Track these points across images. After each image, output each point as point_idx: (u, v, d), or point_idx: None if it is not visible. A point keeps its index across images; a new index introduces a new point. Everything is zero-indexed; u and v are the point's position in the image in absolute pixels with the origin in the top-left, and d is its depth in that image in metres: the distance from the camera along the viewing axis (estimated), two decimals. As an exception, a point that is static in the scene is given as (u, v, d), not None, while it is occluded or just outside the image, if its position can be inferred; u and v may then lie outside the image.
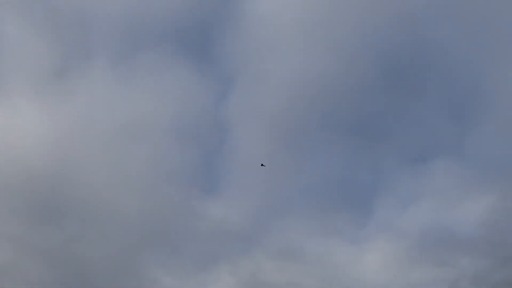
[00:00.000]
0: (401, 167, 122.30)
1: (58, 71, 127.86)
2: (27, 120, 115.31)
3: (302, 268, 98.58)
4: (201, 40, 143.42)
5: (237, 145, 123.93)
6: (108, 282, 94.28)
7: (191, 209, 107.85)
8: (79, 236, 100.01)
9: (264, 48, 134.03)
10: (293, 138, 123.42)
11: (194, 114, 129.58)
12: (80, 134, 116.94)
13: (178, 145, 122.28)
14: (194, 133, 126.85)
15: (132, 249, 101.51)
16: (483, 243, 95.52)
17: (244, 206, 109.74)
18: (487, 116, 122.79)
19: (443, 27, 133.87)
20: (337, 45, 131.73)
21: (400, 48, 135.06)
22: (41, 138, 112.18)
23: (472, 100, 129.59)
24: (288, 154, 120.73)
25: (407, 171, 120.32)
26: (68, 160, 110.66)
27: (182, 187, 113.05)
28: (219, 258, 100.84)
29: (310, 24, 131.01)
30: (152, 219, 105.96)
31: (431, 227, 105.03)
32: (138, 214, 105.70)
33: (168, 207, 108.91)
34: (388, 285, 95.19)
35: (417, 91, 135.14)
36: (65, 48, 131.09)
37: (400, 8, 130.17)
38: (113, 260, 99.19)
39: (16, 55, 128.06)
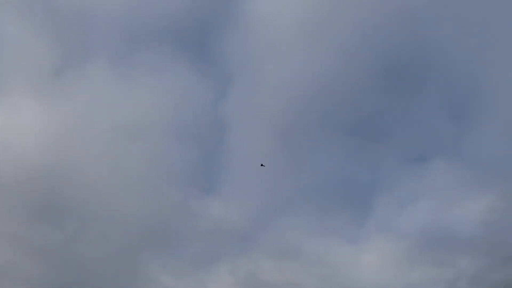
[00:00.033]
0: (400, 167, 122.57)
1: (58, 71, 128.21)
2: (27, 120, 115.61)
3: (301, 267, 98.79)
4: (201, 39, 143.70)
5: (236, 145, 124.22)
6: (107, 281, 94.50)
7: (190, 208, 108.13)
8: (78, 236, 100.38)
9: (264, 48, 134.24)
10: (292, 138, 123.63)
11: (194, 113, 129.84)
12: (79, 134, 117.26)
13: (177, 144, 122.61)
14: (193, 133, 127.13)
15: (131, 249, 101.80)
16: (482, 243, 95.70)
17: (243, 205, 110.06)
18: (486, 116, 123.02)
19: (442, 27, 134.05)
20: (337, 45, 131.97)
21: (399, 48, 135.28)
22: (41, 137, 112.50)
23: (472, 100, 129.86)
24: (287, 153, 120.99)
25: (406, 171, 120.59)
26: (68, 159, 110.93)
27: (181, 186, 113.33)
28: (218, 258, 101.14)
29: (310, 24, 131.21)
30: (151, 218, 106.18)
31: (430, 227, 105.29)
32: (137, 214, 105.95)
33: (167, 207, 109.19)
34: (387, 285, 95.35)
35: (416, 91, 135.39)
36: (64, 47, 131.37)
37: (399, 8, 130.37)
38: (112, 259, 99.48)
39: (15, 55, 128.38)
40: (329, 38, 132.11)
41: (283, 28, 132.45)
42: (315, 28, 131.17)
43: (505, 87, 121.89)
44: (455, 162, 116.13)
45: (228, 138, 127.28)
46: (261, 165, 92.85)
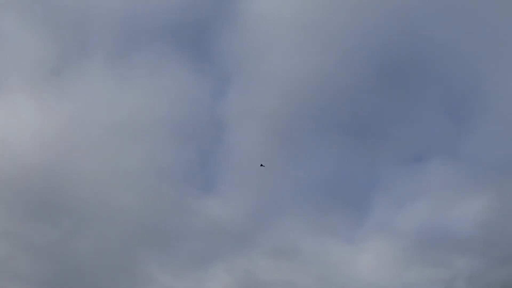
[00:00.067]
0: (398, 167, 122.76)
1: (56, 69, 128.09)
2: (25, 118, 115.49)
3: (299, 267, 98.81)
4: (199, 38, 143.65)
5: (233, 144, 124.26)
6: (104, 280, 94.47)
7: (187, 207, 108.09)
8: (76, 234, 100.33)
9: (262, 47, 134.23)
10: (290, 137, 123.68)
11: (192, 112, 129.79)
12: (77, 132, 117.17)
13: (175, 143, 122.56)
14: (191, 131, 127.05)
15: (128, 247, 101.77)
16: (479, 243, 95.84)
17: (241, 204, 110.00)
18: (484, 117, 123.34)
19: (440, 28, 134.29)
20: (335, 45, 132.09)
21: (397, 48, 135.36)
22: (39, 135, 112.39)
23: (469, 100, 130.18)
24: (285, 153, 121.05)
25: (404, 171, 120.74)
26: (65, 157, 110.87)
27: (179, 185, 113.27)
28: (215, 257, 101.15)
29: (308, 23, 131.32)
30: (149, 217, 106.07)
31: (427, 227, 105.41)
32: (135, 212, 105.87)
33: (165, 205, 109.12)
34: (384, 284, 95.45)
35: (414, 91, 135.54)
36: (63, 46, 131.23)
37: (397, 8, 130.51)
38: (109, 257, 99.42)
39: (14, 53, 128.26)
40: (327, 38, 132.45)
41: (281, 27, 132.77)
42: (313, 27, 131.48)
43: (503, 87, 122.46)
44: (452, 162, 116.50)
45: (226, 137, 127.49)
46: (261, 165, 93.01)
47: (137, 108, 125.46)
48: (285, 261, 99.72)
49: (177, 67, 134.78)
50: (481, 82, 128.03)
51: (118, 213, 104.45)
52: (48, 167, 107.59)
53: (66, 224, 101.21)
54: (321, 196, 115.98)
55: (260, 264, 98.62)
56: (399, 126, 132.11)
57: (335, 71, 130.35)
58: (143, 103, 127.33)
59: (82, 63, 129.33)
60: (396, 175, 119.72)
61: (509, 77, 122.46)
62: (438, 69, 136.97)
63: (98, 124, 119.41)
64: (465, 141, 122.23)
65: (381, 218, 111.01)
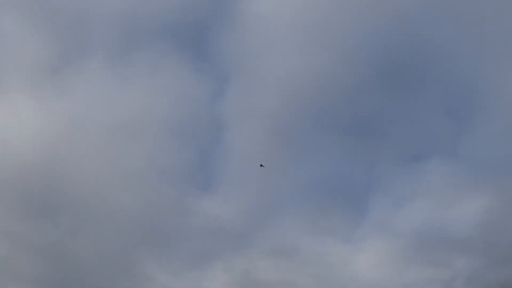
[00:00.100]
0: (397, 166, 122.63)
1: (56, 69, 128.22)
2: (24, 117, 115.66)
3: (297, 266, 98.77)
4: (198, 38, 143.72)
5: (232, 143, 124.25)
6: (103, 279, 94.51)
7: (186, 206, 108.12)
8: (75, 233, 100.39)
9: (261, 47, 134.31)
10: (289, 137, 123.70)
11: (190, 111, 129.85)
12: (76, 131, 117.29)
13: (174, 142, 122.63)
14: (190, 131, 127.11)
15: (127, 246, 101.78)
16: (478, 243, 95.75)
17: (239, 204, 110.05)
18: (483, 117, 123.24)
19: (439, 28, 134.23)
20: (334, 45, 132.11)
21: (396, 48, 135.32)
22: (38, 134, 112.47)
23: (468, 100, 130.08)
24: (284, 152, 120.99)
25: (403, 171, 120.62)
26: (65, 157, 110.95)
27: (178, 184, 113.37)
28: (214, 256, 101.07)
29: (307, 23, 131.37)
30: (148, 216, 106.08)
31: (426, 227, 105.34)
32: (133, 211, 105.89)
33: (164, 205, 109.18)
34: (382, 284, 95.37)
35: (413, 91, 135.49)
36: (62, 45, 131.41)
37: (396, 8, 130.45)
38: (108, 257, 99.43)
39: (14, 53, 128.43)
40: (327, 38, 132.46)
41: (281, 27, 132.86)
42: (313, 27, 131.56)
43: (502, 87, 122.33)
44: (451, 162, 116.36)
45: (225, 136, 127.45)
46: (261, 165, 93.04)
47: (137, 107, 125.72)
48: (284, 261, 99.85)
49: (177, 67, 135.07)
50: (480, 82, 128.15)
51: (117, 213, 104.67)
52: (48, 167, 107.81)
53: (66, 223, 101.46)
54: (320, 196, 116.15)
55: (259, 263, 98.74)
56: (399, 126, 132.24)
57: (335, 71, 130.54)
58: (143, 103, 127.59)
59: (82, 62, 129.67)
60: (396, 175, 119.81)
61: (509, 77, 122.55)
62: (438, 69, 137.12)
63: (98, 124, 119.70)
64: (464, 141, 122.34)
65: (381, 218, 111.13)
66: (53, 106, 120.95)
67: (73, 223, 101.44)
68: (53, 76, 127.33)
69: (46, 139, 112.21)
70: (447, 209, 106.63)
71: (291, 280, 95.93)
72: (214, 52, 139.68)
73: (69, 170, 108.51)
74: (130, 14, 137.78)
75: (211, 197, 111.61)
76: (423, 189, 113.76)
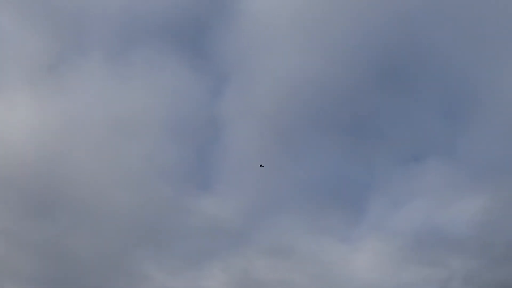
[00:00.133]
0: (394, 166, 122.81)
1: (53, 67, 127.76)
2: (22, 115, 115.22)
3: (294, 266, 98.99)
4: (196, 37, 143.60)
5: (230, 142, 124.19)
6: (99, 278, 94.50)
7: (184, 205, 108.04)
8: (72, 232, 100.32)
9: (260, 46, 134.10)
10: (287, 136, 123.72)
11: (189, 110, 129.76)
12: (74, 130, 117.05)
13: (172, 141, 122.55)
14: (189, 130, 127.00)
15: (124, 245, 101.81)
16: (475, 243, 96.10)
17: (237, 203, 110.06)
18: (481, 117, 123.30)
19: (438, 28, 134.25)
20: (332, 44, 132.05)
21: (394, 48, 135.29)
22: (35, 133, 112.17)
23: (466, 100, 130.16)
24: (282, 152, 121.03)
25: (401, 171, 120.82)
26: (62, 155, 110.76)
27: (175, 183, 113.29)
28: (211, 255, 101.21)
29: (305, 23, 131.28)
30: (145, 215, 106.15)
31: (423, 227, 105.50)
32: (131, 210, 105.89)
33: (161, 203, 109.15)
34: (379, 284, 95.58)
35: (411, 91, 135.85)
36: (60, 43, 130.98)
37: (394, 8, 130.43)
38: (105, 255, 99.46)
39: (11, 50, 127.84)
40: (325, 37, 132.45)
41: (279, 26, 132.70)
42: (311, 27, 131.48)
43: (500, 87, 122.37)
44: (449, 162, 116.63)
45: (224, 135, 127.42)
46: (260, 165, 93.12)
47: (135, 106, 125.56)
48: (282, 260, 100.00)
49: (175, 66, 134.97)
50: (478, 82, 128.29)
51: (115, 212, 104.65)
52: (46, 166, 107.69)
53: (63, 222, 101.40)
54: (318, 195, 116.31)
55: (257, 263, 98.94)
56: (397, 126, 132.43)
57: (334, 70, 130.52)
58: (141, 101, 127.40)
59: (80, 61, 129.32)
60: (394, 175, 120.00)
61: (507, 77, 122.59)
62: (437, 70, 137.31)
63: (96, 122, 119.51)
64: (463, 141, 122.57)
65: (378, 218, 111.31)
66: (51, 104, 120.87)
67: (70, 221, 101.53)
68: (51, 74, 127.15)
69: (44, 137, 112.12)
70: (445, 209, 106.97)
71: (288, 280, 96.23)
72: (213, 51, 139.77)
73: (67, 169, 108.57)
74: (128, 13, 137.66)
75: (209, 196, 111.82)
76: (421, 189, 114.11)
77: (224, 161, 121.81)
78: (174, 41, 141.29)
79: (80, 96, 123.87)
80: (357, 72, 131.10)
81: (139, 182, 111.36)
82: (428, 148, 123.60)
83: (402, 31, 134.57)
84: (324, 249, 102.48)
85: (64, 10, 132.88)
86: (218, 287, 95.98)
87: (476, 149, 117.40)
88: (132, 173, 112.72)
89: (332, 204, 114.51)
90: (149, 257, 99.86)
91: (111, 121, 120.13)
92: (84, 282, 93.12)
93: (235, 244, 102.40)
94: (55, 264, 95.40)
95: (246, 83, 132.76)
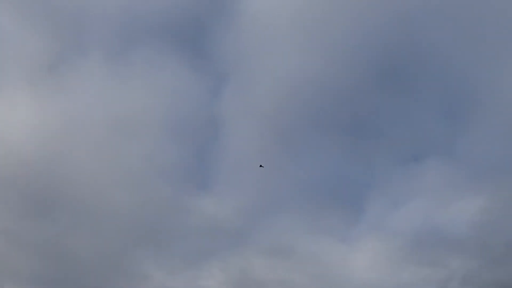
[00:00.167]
0: (393, 166, 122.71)
1: (53, 66, 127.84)
2: (21, 115, 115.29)
3: (293, 266, 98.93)
4: (196, 36, 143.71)
5: (230, 142, 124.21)
6: (99, 277, 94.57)
7: (182, 204, 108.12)
8: (71, 231, 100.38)
9: (259, 46, 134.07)
10: (286, 136, 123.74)
11: (188, 110, 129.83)
12: (74, 130, 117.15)
13: (171, 140, 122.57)
14: (188, 129, 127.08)
15: (123, 244, 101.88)
16: (474, 244, 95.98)
17: (236, 202, 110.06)
18: (480, 117, 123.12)
19: (436, 28, 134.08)
20: (332, 44, 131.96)
21: (393, 48, 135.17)
22: (34, 132, 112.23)
23: (466, 100, 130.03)
24: (281, 151, 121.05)
25: (400, 171, 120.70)
26: (62, 155, 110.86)
27: (174, 182, 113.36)
28: (210, 255, 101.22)
29: (305, 23, 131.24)
30: (144, 214, 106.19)
31: (422, 227, 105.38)
32: (130, 210, 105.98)
33: (160, 203, 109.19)
34: (378, 284, 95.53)
35: (410, 90, 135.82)
36: (60, 43, 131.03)
37: (394, 8, 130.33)
38: (104, 255, 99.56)
39: (11, 50, 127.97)
40: (325, 37, 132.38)
41: (279, 26, 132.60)
42: (310, 26, 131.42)
43: (499, 87, 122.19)
44: (448, 162, 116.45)
45: (223, 135, 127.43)
46: (260, 165, 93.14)
47: (134, 106, 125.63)
48: (280, 260, 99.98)
49: (175, 66, 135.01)
50: (478, 82, 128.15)
51: (114, 211, 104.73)
52: (45, 165, 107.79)
53: (62, 222, 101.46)
54: (317, 195, 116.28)
55: (255, 262, 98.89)
56: (397, 126, 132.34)
57: (333, 70, 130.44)
58: (141, 101, 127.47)
59: (79, 60, 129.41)
60: (393, 175, 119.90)
61: (507, 77, 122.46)
62: (436, 70, 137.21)
63: (95, 122, 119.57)
64: (462, 141, 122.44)
65: (377, 218, 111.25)
66: (51, 104, 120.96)
67: (70, 221, 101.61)
68: (51, 74, 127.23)
69: (43, 137, 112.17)
70: (444, 209, 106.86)
71: (287, 279, 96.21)
72: (212, 51, 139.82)
73: (67, 169, 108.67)
74: (128, 13, 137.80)
75: (208, 196, 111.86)
76: (420, 189, 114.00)
77: (224, 161, 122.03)
78: (174, 41, 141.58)
79: (80, 96, 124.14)
80: (357, 72, 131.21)
81: (138, 182, 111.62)
82: (427, 148, 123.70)
83: (402, 31, 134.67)
84: (323, 249, 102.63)
85: (64, 10, 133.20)
86: (217, 287, 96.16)
87: (476, 149, 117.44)
88: (132, 173, 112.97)
89: (331, 204, 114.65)
90: (148, 257, 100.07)
91: (111, 121, 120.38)
92: (84, 281, 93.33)
93: (234, 244, 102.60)
94: (55, 264, 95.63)
95: (246, 83, 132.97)
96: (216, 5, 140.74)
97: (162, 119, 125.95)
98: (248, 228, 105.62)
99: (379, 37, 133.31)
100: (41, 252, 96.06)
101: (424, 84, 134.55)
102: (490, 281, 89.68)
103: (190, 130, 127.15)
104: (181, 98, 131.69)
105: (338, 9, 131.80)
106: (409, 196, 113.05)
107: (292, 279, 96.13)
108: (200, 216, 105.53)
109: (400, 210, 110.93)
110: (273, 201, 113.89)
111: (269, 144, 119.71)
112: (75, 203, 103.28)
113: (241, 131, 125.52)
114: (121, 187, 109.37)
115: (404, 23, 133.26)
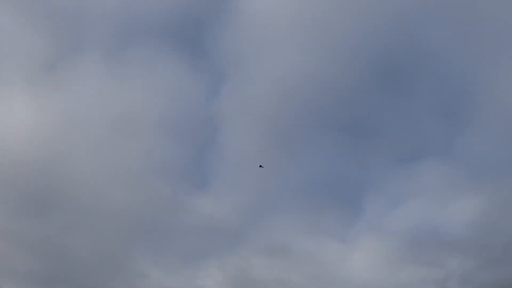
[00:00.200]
0: (391, 166, 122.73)
1: (51, 65, 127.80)
2: (19, 113, 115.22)
3: (291, 265, 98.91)
4: (194, 36, 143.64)
5: (228, 142, 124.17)
6: (96, 276, 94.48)
7: (180, 204, 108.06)
8: (68, 230, 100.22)
9: (257, 45, 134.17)
10: (284, 136, 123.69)
11: (186, 109, 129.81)
12: (71, 128, 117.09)
13: (169, 140, 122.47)
14: (186, 129, 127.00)
15: (121, 244, 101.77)
16: (472, 244, 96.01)
17: (234, 202, 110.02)
18: (478, 117, 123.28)
19: (433, 28, 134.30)
20: (330, 44, 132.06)
21: (391, 48, 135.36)
22: (32, 131, 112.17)
23: (464, 100, 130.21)
24: (279, 151, 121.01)
25: (397, 171, 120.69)
26: (59, 154, 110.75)
27: (172, 182, 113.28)
28: (207, 254, 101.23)
29: (303, 22, 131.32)
30: (142, 213, 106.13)
31: (420, 227, 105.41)
32: (128, 209, 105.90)
33: (158, 202, 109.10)
34: (376, 284, 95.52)
35: (408, 90, 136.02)
36: (58, 42, 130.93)
37: (392, 9, 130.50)
38: (101, 254, 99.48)
39: (9, 49, 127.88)
40: (323, 37, 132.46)
41: (277, 26, 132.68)
42: (309, 26, 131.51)
43: (495, 88, 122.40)
44: (446, 162, 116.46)
45: (220, 134, 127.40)
46: (260, 166, 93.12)
47: (133, 105, 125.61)
48: (278, 259, 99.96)
49: (173, 65, 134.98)
50: (475, 82, 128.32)
51: (112, 210, 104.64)
52: (43, 164, 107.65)
53: (60, 221, 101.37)
54: (315, 195, 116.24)
55: (252, 262, 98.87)
56: (395, 126, 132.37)
57: (332, 70, 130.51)
58: (139, 100, 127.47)
59: (77, 59, 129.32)
60: (390, 175, 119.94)
61: (505, 78, 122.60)
62: (435, 69, 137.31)
63: (94, 121, 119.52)
64: (459, 141, 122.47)
65: (375, 217, 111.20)
66: (50, 103, 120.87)
67: (68, 220, 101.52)
68: (50, 73, 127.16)
69: (42, 136, 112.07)
70: (442, 209, 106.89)
71: (285, 279, 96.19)
72: (211, 50, 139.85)
73: (65, 168, 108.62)
74: (127, 12, 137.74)
75: (206, 195, 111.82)
76: (418, 189, 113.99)
77: (222, 161, 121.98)
78: (172, 40, 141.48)
79: (78, 95, 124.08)
80: (355, 72, 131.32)
81: (137, 181, 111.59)
82: (426, 148, 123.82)
83: (401, 31, 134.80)
84: (321, 248, 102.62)
85: (63, 9, 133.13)
86: (215, 286, 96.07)
87: (474, 150, 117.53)
88: (130, 172, 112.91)
89: (330, 204, 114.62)
90: (146, 256, 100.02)
91: (109, 120, 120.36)
92: (82, 280, 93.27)
93: (232, 243, 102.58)
94: (54, 263, 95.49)
95: (244, 83, 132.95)
96: (215, 4, 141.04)
97: (161, 118, 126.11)
98: (246, 228, 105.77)
99: (377, 37, 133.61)
100: (40, 251, 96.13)
101: (423, 84, 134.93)
102: (488, 281, 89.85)
103: (189, 130, 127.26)
104: (179, 97, 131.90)
105: (337, 9, 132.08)
106: (408, 196, 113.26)
107: (290, 279, 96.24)
108: (198, 215, 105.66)
109: (398, 210, 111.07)
110: (271, 201, 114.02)
111: (267, 144, 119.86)
112: (73, 202, 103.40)
113: (239, 130, 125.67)
114: (119, 186, 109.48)
115: (403, 23, 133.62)
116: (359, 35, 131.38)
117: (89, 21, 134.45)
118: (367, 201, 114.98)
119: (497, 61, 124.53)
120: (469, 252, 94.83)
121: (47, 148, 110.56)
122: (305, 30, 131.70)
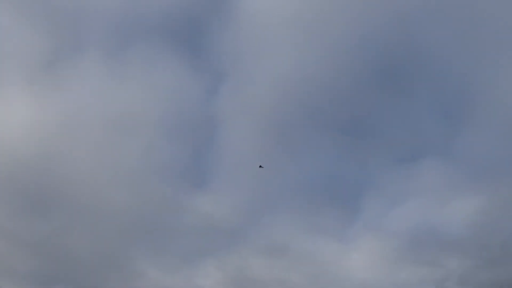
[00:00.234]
0: (390, 166, 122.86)
1: (50, 64, 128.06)
2: (19, 112, 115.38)
3: (290, 265, 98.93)
4: (194, 35, 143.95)
5: (227, 141, 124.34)
6: (95, 275, 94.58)
7: (180, 203, 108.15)
8: (67, 229, 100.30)
9: (257, 45, 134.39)
10: (283, 135, 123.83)
11: (185, 108, 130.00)
12: (70, 127, 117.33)
13: (168, 139, 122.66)
14: (185, 128, 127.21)
15: (120, 243, 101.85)
16: (471, 244, 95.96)
17: (233, 201, 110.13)
18: (477, 117, 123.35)
19: (433, 29, 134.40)
20: (329, 44, 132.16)
21: (391, 48, 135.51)
22: (31, 130, 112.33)
23: (463, 100, 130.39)
24: (278, 151, 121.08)
25: (396, 170, 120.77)
26: (58, 153, 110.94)
27: (172, 181, 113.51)
28: (206, 253, 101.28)
29: (302, 22, 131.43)
30: (141, 212, 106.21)
31: (419, 227, 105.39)
32: (127, 208, 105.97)
33: (157, 201, 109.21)
34: (375, 283, 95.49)
35: (407, 91, 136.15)
36: (58, 41, 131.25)
37: (391, 9, 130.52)
38: (100, 253, 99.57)
39: (8, 47, 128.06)
40: (322, 37, 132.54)
41: (277, 25, 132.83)
42: (308, 26, 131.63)
43: (494, 88, 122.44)
44: (445, 162, 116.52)
45: (220, 134, 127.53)
46: (260, 166, 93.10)
47: (132, 104, 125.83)
48: (277, 259, 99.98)
49: (172, 64, 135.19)
50: (474, 82, 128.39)
51: (111, 209, 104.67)
52: (42, 163, 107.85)
53: (59, 220, 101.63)
54: (314, 194, 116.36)
55: (251, 261, 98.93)
56: (395, 126, 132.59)
57: (329, 70, 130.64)
58: (138, 99, 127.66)
59: (77, 59, 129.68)
60: (389, 175, 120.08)
61: (503, 78, 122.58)
62: (434, 70, 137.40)
63: (93, 120, 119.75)
64: (458, 141, 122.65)
65: (374, 217, 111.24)
66: (49, 102, 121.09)
67: (67, 220, 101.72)
68: (49, 72, 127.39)
69: (41, 135, 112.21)
70: (441, 209, 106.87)
71: (284, 278, 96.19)
72: (210, 50, 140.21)
73: (64, 167, 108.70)
74: (126, 11, 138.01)
75: (205, 195, 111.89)
76: (417, 189, 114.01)
77: (221, 160, 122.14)
78: (171, 40, 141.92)
79: (77, 94, 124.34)
80: (354, 72, 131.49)
81: (135, 180, 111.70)
82: (425, 148, 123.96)
83: (400, 31, 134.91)
84: (320, 248, 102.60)
85: (63, 9, 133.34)
86: (214, 286, 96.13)
87: (473, 150, 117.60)
88: (128, 171, 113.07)
89: (328, 203, 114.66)
90: (145, 255, 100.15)
91: (108, 119, 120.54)
92: (81, 279, 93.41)
93: (231, 243, 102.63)
94: (52, 262, 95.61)
95: (244, 82, 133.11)
96: (214, 4, 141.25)
97: (160, 117, 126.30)
98: (245, 227, 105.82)
99: (377, 38, 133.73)
100: (39, 250, 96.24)
101: (423, 84, 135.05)
102: (487, 281, 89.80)
103: (188, 129, 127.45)
104: (179, 96, 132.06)
105: (337, 9, 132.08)
106: (407, 196, 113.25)
107: (288, 278, 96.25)
108: (198, 215, 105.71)
109: (397, 210, 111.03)
110: (270, 200, 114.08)
111: (266, 143, 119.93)
112: (73, 202, 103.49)
113: (238, 130, 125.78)
114: (118, 186, 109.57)
115: (403, 23, 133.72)
116: (358, 35, 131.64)
117: (89, 21, 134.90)
118: (367, 201, 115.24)
119: (497, 61, 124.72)
120: (469, 252, 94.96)
121: (47, 147, 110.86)
122: (304, 30, 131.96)
